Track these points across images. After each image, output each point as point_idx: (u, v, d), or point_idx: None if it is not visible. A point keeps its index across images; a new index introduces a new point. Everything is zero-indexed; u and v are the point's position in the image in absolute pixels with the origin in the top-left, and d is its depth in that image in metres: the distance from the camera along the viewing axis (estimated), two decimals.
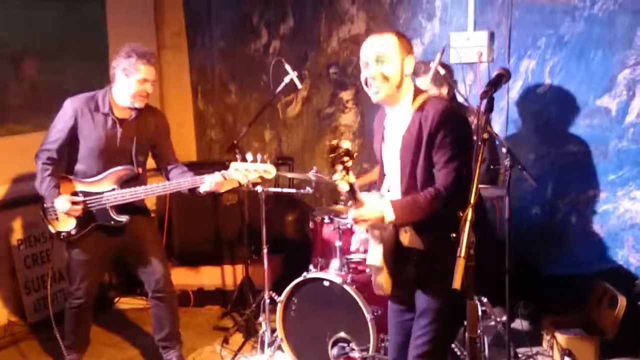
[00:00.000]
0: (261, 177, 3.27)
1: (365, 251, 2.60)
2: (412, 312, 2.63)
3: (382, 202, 2.41)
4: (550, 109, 4.17)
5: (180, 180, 3.37)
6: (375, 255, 2.53)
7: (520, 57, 4.22)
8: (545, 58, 4.14)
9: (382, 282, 2.60)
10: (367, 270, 3.66)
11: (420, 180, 2.46)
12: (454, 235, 1.93)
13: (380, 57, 2.42)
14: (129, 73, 3.27)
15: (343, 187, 2.29)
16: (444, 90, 3.72)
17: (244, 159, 3.25)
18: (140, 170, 3.46)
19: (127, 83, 3.29)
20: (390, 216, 2.37)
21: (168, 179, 3.51)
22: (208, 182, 3.28)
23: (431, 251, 2.50)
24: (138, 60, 3.26)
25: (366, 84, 2.49)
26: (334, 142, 2.20)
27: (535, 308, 4.11)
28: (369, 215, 2.38)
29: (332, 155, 2.20)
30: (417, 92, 2.52)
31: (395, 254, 2.57)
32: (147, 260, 3.49)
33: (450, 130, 2.37)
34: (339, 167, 2.22)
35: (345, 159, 2.20)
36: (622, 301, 3.57)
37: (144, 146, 3.48)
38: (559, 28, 4.08)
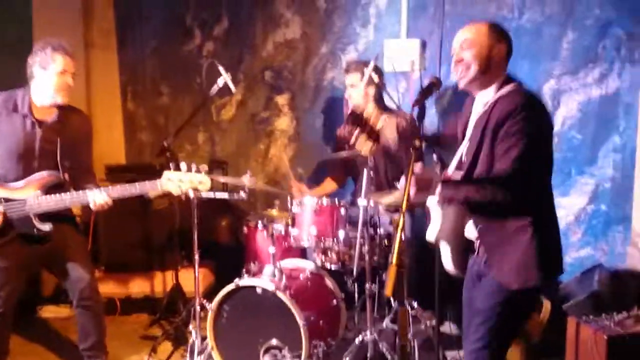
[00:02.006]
0: (195, 189, 3.18)
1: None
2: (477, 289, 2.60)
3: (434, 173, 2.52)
4: None
5: (118, 187, 3.23)
6: (430, 231, 2.62)
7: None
8: None
9: (445, 259, 2.63)
10: (301, 275, 3.64)
11: (479, 171, 2.42)
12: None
13: (464, 43, 2.47)
14: (46, 65, 3.16)
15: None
16: (371, 91, 3.84)
17: (177, 167, 3.15)
18: (66, 176, 3.31)
19: (47, 77, 3.17)
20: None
21: (77, 188, 3.29)
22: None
23: (486, 243, 2.47)
24: (54, 52, 3.16)
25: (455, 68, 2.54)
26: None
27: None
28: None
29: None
30: (506, 81, 2.46)
31: (456, 237, 2.58)
32: (72, 268, 3.34)
33: (515, 123, 2.29)
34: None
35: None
36: (546, 305, 3.66)
37: (68, 150, 3.33)
38: None
